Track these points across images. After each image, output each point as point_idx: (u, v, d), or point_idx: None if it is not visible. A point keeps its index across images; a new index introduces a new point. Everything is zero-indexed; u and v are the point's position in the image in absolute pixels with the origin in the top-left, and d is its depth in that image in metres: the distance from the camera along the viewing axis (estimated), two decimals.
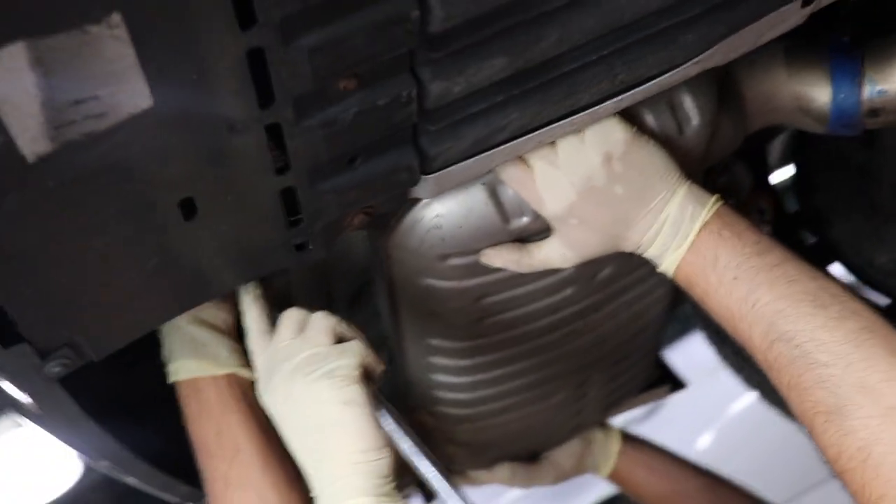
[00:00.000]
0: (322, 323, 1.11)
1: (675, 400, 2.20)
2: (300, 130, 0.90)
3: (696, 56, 1.07)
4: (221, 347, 1.27)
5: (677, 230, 1.12)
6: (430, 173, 1.05)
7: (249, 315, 1.18)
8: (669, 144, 1.21)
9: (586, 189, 1.13)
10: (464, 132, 1.01)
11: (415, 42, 0.87)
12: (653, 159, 1.13)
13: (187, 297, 1.06)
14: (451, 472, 1.95)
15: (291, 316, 1.14)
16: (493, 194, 1.18)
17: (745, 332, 1.07)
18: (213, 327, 1.27)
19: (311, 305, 1.19)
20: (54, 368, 0.99)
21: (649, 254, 1.16)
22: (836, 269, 2.08)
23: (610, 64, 1.03)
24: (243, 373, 1.26)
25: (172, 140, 0.84)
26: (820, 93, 1.30)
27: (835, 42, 1.32)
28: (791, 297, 1.03)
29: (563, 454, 2.01)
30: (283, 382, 1.08)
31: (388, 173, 1.01)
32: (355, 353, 1.08)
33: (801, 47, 1.31)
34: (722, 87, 1.31)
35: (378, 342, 1.50)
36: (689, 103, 1.21)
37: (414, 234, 1.21)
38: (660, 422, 3.55)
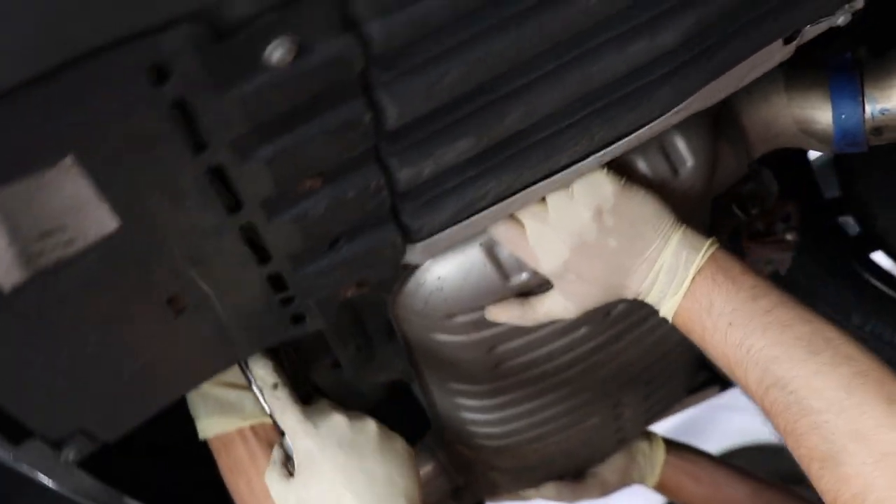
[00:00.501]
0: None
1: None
2: (274, 227, 0.93)
3: (675, 107, 1.06)
4: (245, 400, 1.31)
5: (673, 277, 1.13)
6: (416, 242, 1.06)
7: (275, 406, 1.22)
8: (664, 188, 1.21)
9: (579, 245, 1.14)
10: (443, 205, 1.03)
11: (373, 141, 0.88)
12: (644, 209, 1.14)
13: (190, 378, 1.10)
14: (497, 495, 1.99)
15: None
16: (491, 253, 1.20)
17: (741, 378, 1.08)
18: (232, 384, 1.31)
19: (347, 344, 1.25)
20: (69, 455, 1.04)
21: (648, 300, 1.17)
22: (879, 257, 2.06)
23: (585, 126, 1.03)
24: (269, 421, 1.30)
25: (146, 251, 0.87)
26: (821, 115, 1.28)
27: (834, 61, 1.30)
28: (784, 342, 1.03)
29: (608, 469, 2.02)
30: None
31: (371, 251, 1.03)
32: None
33: (800, 69, 1.30)
34: (720, 118, 1.31)
35: (410, 375, 1.53)
36: (681, 145, 1.21)
37: (418, 297, 1.23)
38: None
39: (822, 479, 1.00)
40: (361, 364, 1.48)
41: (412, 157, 0.94)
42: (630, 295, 1.19)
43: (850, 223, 2.11)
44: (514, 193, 1.08)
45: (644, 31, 0.95)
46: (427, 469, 1.76)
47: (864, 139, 1.29)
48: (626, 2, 0.90)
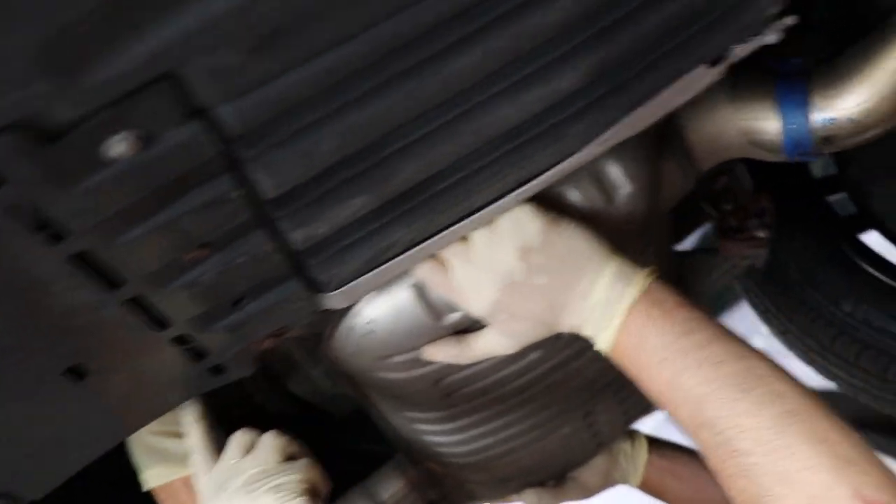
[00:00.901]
0: (271, 442, 1.14)
1: None
2: (164, 296, 0.91)
3: (593, 140, 1.02)
4: (185, 448, 1.30)
5: (606, 311, 1.09)
6: (331, 292, 1.04)
7: (192, 437, 1.21)
8: (600, 217, 1.18)
9: (507, 284, 1.11)
10: (350, 257, 1.00)
11: (252, 210, 0.86)
12: (574, 243, 1.10)
13: (111, 435, 1.09)
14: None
15: (239, 438, 1.17)
16: (421, 294, 1.17)
17: (675, 414, 1.05)
18: (172, 433, 1.30)
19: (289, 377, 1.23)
20: None
21: (585, 334, 1.13)
22: (870, 239, 2.01)
23: (496, 168, 1.00)
24: None
25: (24, 334, 0.86)
26: (769, 125, 1.24)
27: (782, 68, 1.25)
28: (716, 380, 1.00)
29: (589, 472, 1.99)
30: (227, 500, 1.11)
31: (279, 305, 1.01)
32: (302, 469, 1.10)
33: (747, 78, 1.25)
34: (663, 135, 1.26)
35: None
36: (616, 172, 1.17)
37: (350, 342, 1.21)
38: None
39: None
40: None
41: (304, 219, 0.92)
42: (566, 329, 1.15)
43: (840, 203, 2.06)
44: (431, 236, 1.04)
45: (537, 79, 0.91)
46: (398, 487, 1.75)
47: (815, 148, 1.24)
48: (507, 58, 0.86)
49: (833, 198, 2.06)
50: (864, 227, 2.03)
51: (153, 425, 1.25)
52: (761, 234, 1.59)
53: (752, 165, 1.60)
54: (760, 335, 2.38)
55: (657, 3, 0.93)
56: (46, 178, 0.70)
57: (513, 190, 1.05)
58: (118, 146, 0.71)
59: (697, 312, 1.07)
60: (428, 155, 0.92)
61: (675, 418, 1.07)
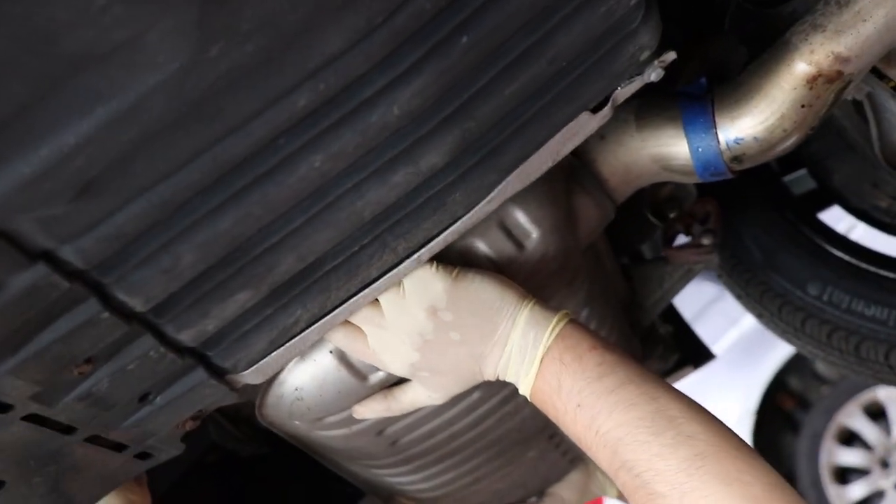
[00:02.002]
0: None
1: None
2: (60, 409, 0.93)
3: (478, 204, 1.03)
4: None
5: (523, 358, 1.11)
6: (239, 373, 1.06)
7: None
8: (512, 265, 1.18)
9: (421, 344, 1.13)
10: (251, 341, 1.02)
11: (127, 325, 0.87)
12: (483, 295, 1.11)
13: None
14: None
15: None
16: (343, 358, 1.19)
17: (595, 457, 1.06)
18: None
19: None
20: None
21: (508, 380, 1.15)
22: (835, 212, 2.00)
23: (382, 242, 1.01)
24: None
25: None
26: (677, 150, 1.24)
27: (685, 90, 1.25)
28: (629, 423, 1.01)
29: (566, 487, 2.00)
30: None
31: (188, 393, 1.03)
32: None
33: (651, 105, 1.25)
34: (570, 173, 1.26)
35: None
36: (522, 218, 1.17)
37: (281, 409, 1.23)
38: None
39: None
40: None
41: (188, 320, 0.93)
42: (489, 377, 1.17)
43: (797, 181, 2.04)
44: (333, 309, 1.06)
45: (402, 161, 0.92)
46: None
47: (725, 168, 1.24)
48: (360, 151, 0.87)
49: (789, 177, 2.04)
50: (824, 204, 2.02)
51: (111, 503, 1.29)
52: (707, 240, 1.58)
53: None
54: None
55: (509, 76, 0.93)
56: None
57: (406, 258, 1.05)
58: None
59: (611, 355, 1.08)
60: (304, 245, 0.93)
61: (595, 461, 1.08)
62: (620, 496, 1.94)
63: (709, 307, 4.32)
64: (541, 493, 1.97)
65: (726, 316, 4.37)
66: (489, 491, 1.71)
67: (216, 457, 1.79)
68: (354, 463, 1.48)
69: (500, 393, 1.41)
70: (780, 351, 4.44)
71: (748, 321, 4.19)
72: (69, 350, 0.86)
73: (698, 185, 1.61)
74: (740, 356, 4.51)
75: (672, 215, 1.58)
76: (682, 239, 1.66)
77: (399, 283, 1.10)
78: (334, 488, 1.88)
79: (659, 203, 1.58)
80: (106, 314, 0.84)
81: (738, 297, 2.04)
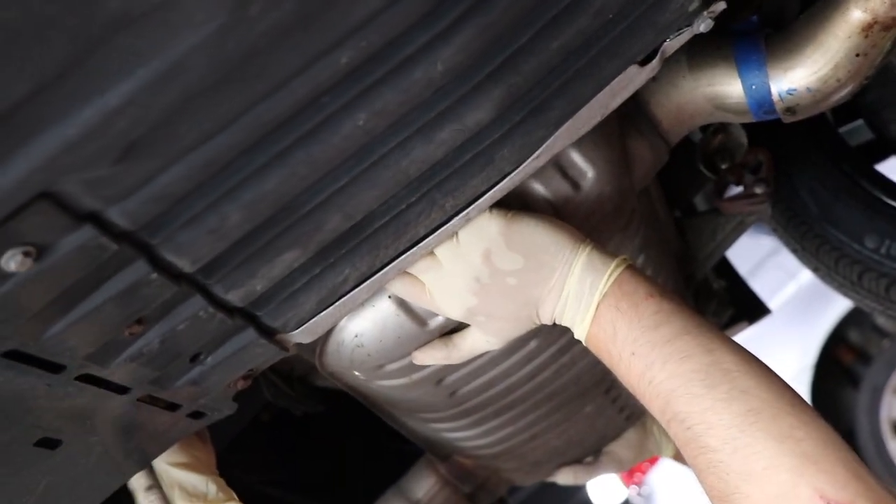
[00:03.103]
0: None
1: None
2: (113, 369, 0.94)
3: (525, 161, 1.02)
4: (210, 485, 1.36)
5: (579, 304, 1.10)
6: (289, 333, 1.06)
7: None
8: (568, 206, 1.17)
9: (478, 289, 1.12)
10: (300, 301, 1.02)
11: (177, 286, 0.88)
12: (538, 239, 1.10)
13: (102, 488, 1.13)
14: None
15: None
16: (402, 304, 1.18)
17: (648, 407, 1.06)
18: (194, 466, 1.35)
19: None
20: None
21: (564, 324, 1.14)
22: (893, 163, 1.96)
23: (430, 200, 1.01)
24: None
25: None
26: (731, 88, 1.22)
27: (737, 28, 1.23)
28: (682, 375, 1.00)
29: (623, 446, 2.00)
30: None
31: (240, 353, 1.04)
32: None
33: (703, 45, 1.23)
34: (624, 114, 1.25)
35: None
36: (577, 158, 1.16)
37: (342, 356, 1.23)
38: None
39: None
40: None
41: (237, 280, 0.94)
42: (546, 321, 1.16)
43: (854, 132, 2.00)
44: (381, 268, 1.06)
45: (448, 118, 0.92)
46: (430, 483, 1.78)
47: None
48: (404, 109, 0.86)
49: (845, 128, 2.00)
50: (882, 155, 1.98)
51: (170, 457, 1.31)
52: (759, 189, 1.56)
53: None
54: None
55: (554, 30, 0.91)
56: None
57: (454, 216, 1.05)
58: (12, 262, 0.73)
59: (668, 303, 1.06)
60: (350, 204, 0.93)
61: (649, 410, 1.07)
62: (677, 455, 1.94)
63: (766, 261, 4.29)
64: (597, 452, 1.97)
65: (784, 269, 4.32)
66: (546, 448, 1.71)
67: (270, 415, 1.81)
68: (413, 417, 1.48)
69: (558, 343, 1.40)
70: (839, 304, 4.39)
71: (806, 275, 4.14)
72: (120, 311, 0.86)
73: (749, 136, 1.58)
74: (798, 310, 4.47)
75: (724, 166, 1.56)
76: (733, 190, 1.64)
77: (451, 235, 1.09)
78: (391, 447, 1.89)
79: (710, 154, 1.55)
80: (155, 275, 0.85)
81: (794, 250, 2.01)
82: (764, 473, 0.92)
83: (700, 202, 1.98)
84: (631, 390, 1.07)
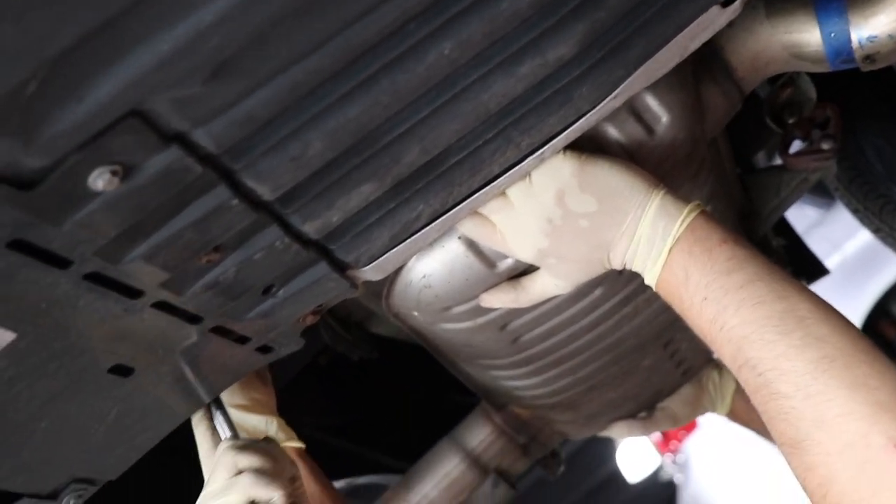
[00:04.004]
0: (223, 459, 1.18)
1: None
2: (188, 297, 0.95)
3: (604, 100, 1.01)
4: (271, 424, 1.37)
5: (651, 248, 1.09)
6: (361, 268, 1.06)
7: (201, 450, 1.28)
8: (642, 151, 1.16)
9: (550, 230, 1.11)
10: (373, 236, 1.02)
11: (256, 213, 0.88)
12: (612, 182, 1.09)
13: (171, 418, 1.14)
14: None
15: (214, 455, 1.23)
16: (472, 245, 1.18)
17: (719, 353, 1.05)
18: (254, 408, 1.36)
19: None
20: (70, 502, 1.11)
21: (634, 269, 1.13)
22: None
23: (506, 137, 1.00)
24: (290, 444, 1.35)
25: (61, 343, 0.91)
26: (809, 36, 1.20)
27: None
28: (755, 321, 0.99)
29: (678, 401, 1.99)
30: None
31: (312, 287, 1.04)
32: (240, 488, 1.14)
33: None
34: (701, 60, 1.23)
35: None
36: (651, 102, 1.15)
37: (409, 297, 1.23)
38: None
39: (791, 464, 0.98)
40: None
41: (314, 211, 0.94)
42: (617, 266, 1.16)
43: None
44: (454, 206, 1.06)
45: (529, 53, 0.91)
46: (485, 433, 1.78)
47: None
48: (488, 41, 0.85)
49: None
50: None
51: (231, 398, 1.31)
52: (826, 145, 1.54)
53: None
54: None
55: None
56: (35, 217, 0.74)
57: (528, 155, 1.04)
58: (100, 180, 0.73)
59: (741, 250, 1.05)
60: (429, 137, 0.93)
61: (719, 356, 1.06)
62: (731, 413, 1.93)
63: (810, 232, 4.25)
64: (651, 408, 1.96)
65: (829, 241, 4.28)
66: (602, 401, 1.71)
67: (327, 359, 1.82)
68: (473, 363, 1.48)
69: (622, 293, 1.39)
70: (883, 278, 4.35)
71: (850, 246, 4.11)
72: (199, 237, 0.87)
73: (818, 92, 1.56)
74: (841, 283, 4.42)
75: (791, 121, 1.54)
76: (798, 146, 1.62)
77: (524, 176, 1.09)
78: (447, 397, 1.90)
79: (778, 107, 1.53)
80: (235, 201, 0.85)
81: (855, 210, 1.99)
82: (836, 421, 0.91)
83: (759, 160, 1.95)
84: (701, 336, 1.06)
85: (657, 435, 5.64)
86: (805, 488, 0.96)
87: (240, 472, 1.16)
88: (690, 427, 5.41)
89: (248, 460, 1.17)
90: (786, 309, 0.98)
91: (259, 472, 1.16)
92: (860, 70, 1.22)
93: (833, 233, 4.07)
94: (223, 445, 1.19)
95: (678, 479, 5.68)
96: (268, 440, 1.24)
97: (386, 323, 1.69)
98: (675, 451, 5.73)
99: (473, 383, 1.58)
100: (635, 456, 5.84)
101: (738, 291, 1.01)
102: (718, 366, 2.00)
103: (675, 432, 5.61)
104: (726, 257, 1.04)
